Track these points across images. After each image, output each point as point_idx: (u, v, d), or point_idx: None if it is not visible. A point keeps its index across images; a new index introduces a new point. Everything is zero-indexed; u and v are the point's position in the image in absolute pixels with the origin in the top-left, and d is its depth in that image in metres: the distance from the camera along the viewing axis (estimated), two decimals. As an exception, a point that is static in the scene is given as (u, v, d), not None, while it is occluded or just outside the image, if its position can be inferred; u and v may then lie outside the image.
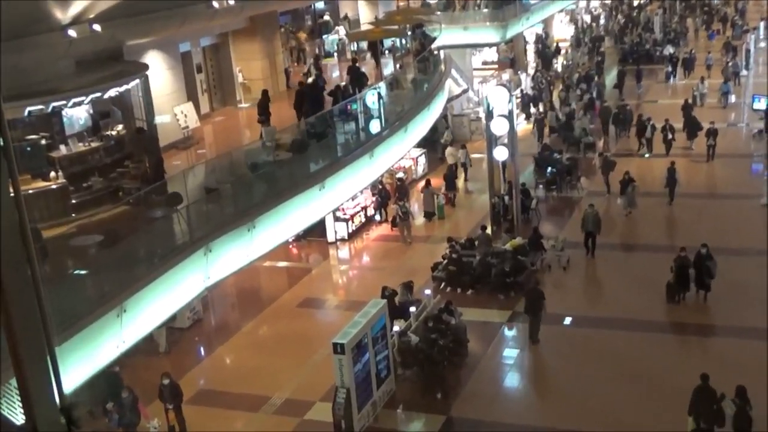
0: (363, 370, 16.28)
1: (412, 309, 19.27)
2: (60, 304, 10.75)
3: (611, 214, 26.14)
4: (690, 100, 35.68)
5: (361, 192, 24.10)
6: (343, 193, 19.15)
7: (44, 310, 8.37)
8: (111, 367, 16.53)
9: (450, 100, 34.00)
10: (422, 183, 28.44)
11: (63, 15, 16.58)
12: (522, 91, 41.23)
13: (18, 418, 8.53)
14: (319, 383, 17.58)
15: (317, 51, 39.33)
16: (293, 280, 23.95)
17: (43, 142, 18.09)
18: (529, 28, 44.57)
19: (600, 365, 17.99)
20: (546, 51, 48.84)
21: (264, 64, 30.33)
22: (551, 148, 31.25)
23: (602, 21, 60.28)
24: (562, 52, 50.10)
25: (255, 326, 21.35)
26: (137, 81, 19.71)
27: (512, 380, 18.08)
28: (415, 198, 28.91)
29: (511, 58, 46.39)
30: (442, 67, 29.22)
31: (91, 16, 17.22)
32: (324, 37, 40.93)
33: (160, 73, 24.96)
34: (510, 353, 19.10)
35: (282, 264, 25.08)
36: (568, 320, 19.99)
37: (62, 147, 18.42)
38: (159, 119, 21.86)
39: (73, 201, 17.54)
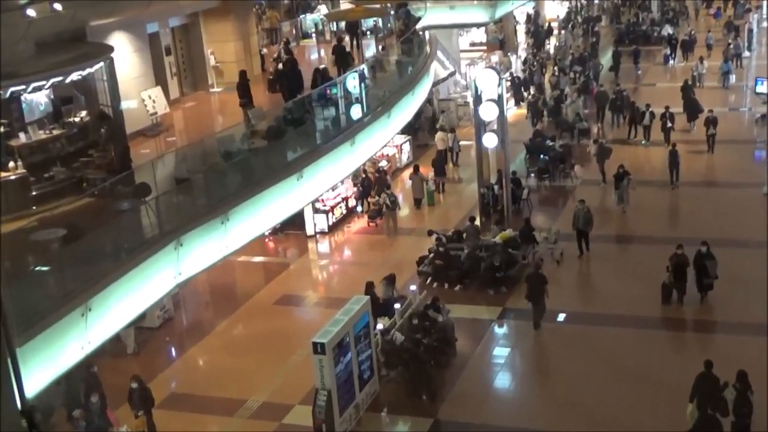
0: (345, 371, 16.31)
1: (397, 306, 19.32)
2: (21, 303, 10.73)
3: (607, 204, 26.29)
4: (689, 81, 35.92)
5: (342, 182, 24.11)
6: (322, 183, 19.16)
7: (4, 309, 8.36)
8: (89, 366, 16.65)
9: (436, 83, 34.05)
10: (408, 171, 28.51)
11: (21, -7, 16.49)
12: (512, 74, 41.35)
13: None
14: (299, 385, 17.58)
15: (294, 32, 39.21)
16: (270, 276, 23.94)
17: (1, 129, 17.98)
18: (519, 6, 44.70)
19: (595, 364, 18.11)
20: (538, 31, 48.96)
21: (237, 46, 30.24)
22: (543, 134, 31.39)
23: (597, -1, 60.58)
24: (554, 32, 50.23)
25: (229, 325, 21.33)
26: (101, 64, 19.61)
27: (503, 380, 18.17)
28: (399, 188, 28.95)
29: (500, 39, 46.49)
30: (427, 48, 29.24)
31: (52, -6, 17.13)
32: (302, 16, 40.81)
33: (126, 55, 24.82)
34: (500, 352, 19.19)
35: (258, 259, 25.05)
36: (561, 317, 20.11)
37: (21, 135, 18.34)
38: (125, 105, 21.77)
39: (34, 193, 17.47)
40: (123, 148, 18.76)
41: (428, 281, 22.27)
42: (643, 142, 31.63)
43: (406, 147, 31.92)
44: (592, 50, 44.62)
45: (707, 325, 19.52)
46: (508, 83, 37.68)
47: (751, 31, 46.11)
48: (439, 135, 31.71)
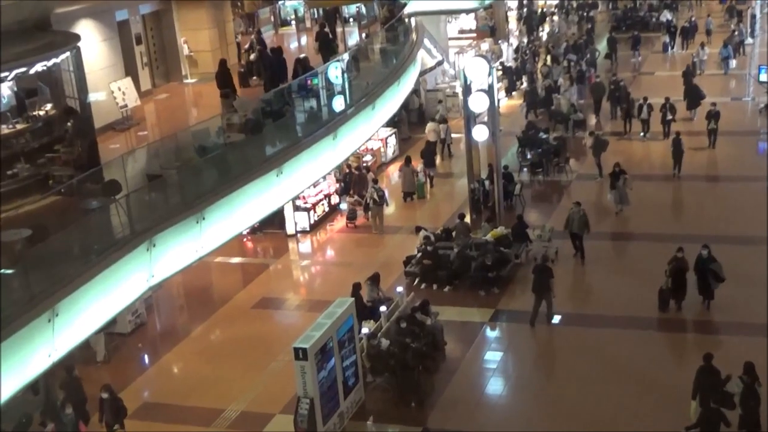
0: (328, 378, 16.34)
1: (383, 309, 19.36)
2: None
3: (604, 200, 26.41)
4: (690, 66, 36.09)
5: (324, 178, 24.12)
6: (303, 180, 19.15)
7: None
8: (69, 370, 16.62)
9: (423, 73, 34.10)
10: (394, 165, 28.56)
11: (-21, -21, 16.37)
12: (503, 62, 41.47)
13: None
14: (279, 393, 17.61)
15: (272, 18, 39.15)
16: (248, 278, 23.93)
17: (-40, 124, 17.90)
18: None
19: (593, 368, 18.20)
20: (532, 16, 49.10)
21: (212, 34, 30.15)
22: (536, 126, 31.49)
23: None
24: (548, 19, 50.39)
25: (206, 330, 21.31)
26: (68, 54, 19.49)
27: (495, 386, 18.22)
28: (385, 184, 28.98)
29: (491, 26, 46.59)
30: (414, 36, 29.28)
31: (13, -21, 17.03)
32: (280, 3, 40.75)
33: (93, 44, 24.71)
34: (492, 356, 19.26)
35: (235, 260, 25.04)
36: (557, 319, 20.19)
37: (-18, 130, 18.24)
38: (93, 97, 21.66)
39: (-4, 191, 17.36)
40: (91, 143, 18.65)
41: (416, 282, 22.32)
42: (641, 134, 31.75)
43: (392, 140, 31.97)
44: (588, 37, 44.76)
45: (709, 326, 19.62)
46: (500, 72, 37.81)
47: (754, 16, 46.33)
48: (430, 125, 31.79)
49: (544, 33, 48.55)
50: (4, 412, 11.26)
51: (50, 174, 18.20)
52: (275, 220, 24.76)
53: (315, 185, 24.23)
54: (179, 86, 29.56)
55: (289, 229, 26.03)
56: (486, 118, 24.81)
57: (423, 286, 22.12)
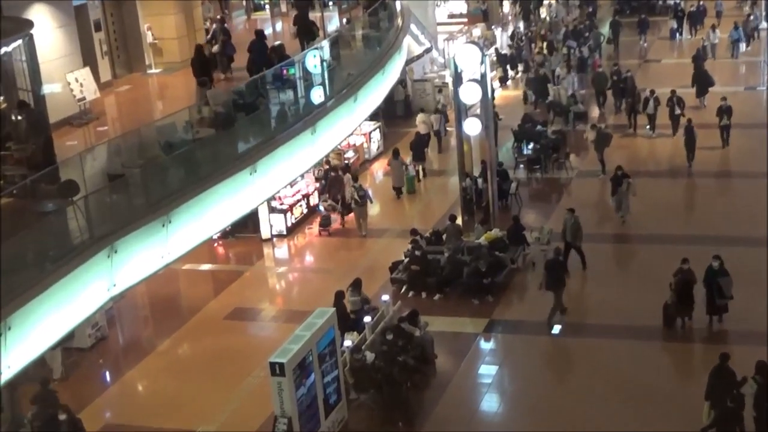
0: (308, 395, 16.34)
1: (367, 319, 19.36)
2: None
3: (606, 199, 26.43)
4: (701, 51, 36.27)
5: (302, 176, 24.11)
6: (279, 179, 19.16)
7: None
8: (44, 383, 16.54)
9: (409, 62, 34.16)
10: (378, 162, 28.60)
11: None
12: (497, 49, 41.59)
13: None
14: (255, 412, 17.60)
15: (244, 3, 39.17)
16: (220, 287, 23.91)
17: None
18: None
19: (595, 382, 18.26)
20: (527, 0, 49.25)
21: (179, 20, 30.13)
22: (533, 119, 31.57)
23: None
24: (545, 2, 50.56)
25: (173, 344, 21.28)
26: (19, 42, 19.44)
27: (490, 403, 18.26)
28: (369, 183, 29.00)
29: (483, 10, 46.71)
30: (399, 21, 29.32)
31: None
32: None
33: (48, 32, 24.65)
34: (487, 370, 19.30)
35: (206, 267, 25.02)
36: (557, 329, 20.25)
37: (-75, 126, 18.14)
38: (48, 89, 21.60)
39: (-58, 193, 17.27)
40: (46, 140, 18.57)
41: (403, 290, 22.34)
42: (647, 127, 31.80)
43: (376, 135, 31.99)
44: (589, 21, 44.94)
45: (719, 336, 19.64)
46: (493, 60, 37.90)
47: (769, -1, 46.66)
48: (420, 117, 31.84)
49: (544, 17, 48.68)
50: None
51: (1, 174, 18.14)
52: (249, 223, 24.74)
53: (292, 185, 24.22)
54: (142, 77, 29.51)
55: (264, 232, 26.02)
56: (479, 111, 24.82)
57: (411, 294, 22.15)
